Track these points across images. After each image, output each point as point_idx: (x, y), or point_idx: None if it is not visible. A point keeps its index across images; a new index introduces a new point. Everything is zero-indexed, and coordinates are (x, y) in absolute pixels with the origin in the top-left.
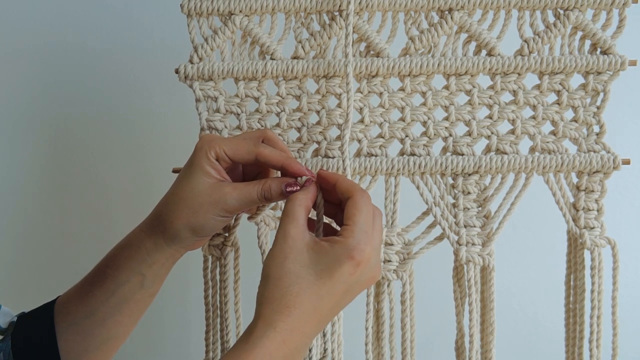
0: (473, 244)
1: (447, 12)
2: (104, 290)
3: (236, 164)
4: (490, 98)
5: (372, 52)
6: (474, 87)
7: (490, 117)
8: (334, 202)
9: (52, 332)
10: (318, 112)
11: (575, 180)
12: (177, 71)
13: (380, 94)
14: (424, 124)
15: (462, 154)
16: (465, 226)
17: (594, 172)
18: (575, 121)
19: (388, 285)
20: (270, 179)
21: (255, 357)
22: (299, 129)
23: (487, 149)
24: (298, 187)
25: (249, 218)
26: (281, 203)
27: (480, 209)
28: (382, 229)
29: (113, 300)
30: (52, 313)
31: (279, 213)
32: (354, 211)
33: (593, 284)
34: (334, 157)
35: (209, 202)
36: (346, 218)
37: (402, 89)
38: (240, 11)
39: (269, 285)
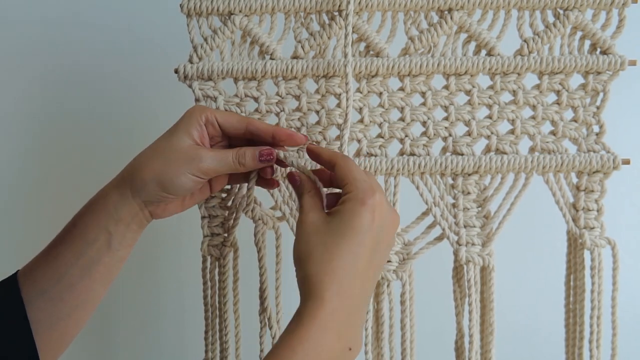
0: (473, 244)
1: (446, 12)
2: (72, 252)
3: (225, 135)
4: (490, 98)
5: (371, 52)
6: (473, 87)
7: (490, 117)
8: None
9: (19, 303)
10: (317, 112)
11: (575, 180)
12: (176, 71)
13: (380, 94)
14: (424, 124)
15: (462, 154)
16: (465, 226)
17: (593, 172)
18: (575, 121)
19: (388, 286)
20: (246, 147)
21: (311, 333)
22: (298, 129)
23: (487, 149)
24: (272, 156)
25: (245, 213)
26: (281, 203)
27: (480, 209)
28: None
29: (82, 262)
30: (16, 285)
31: (278, 213)
32: (345, 171)
33: (593, 284)
34: None
35: (184, 157)
36: (341, 180)
37: (401, 89)
38: (240, 11)
39: (302, 266)
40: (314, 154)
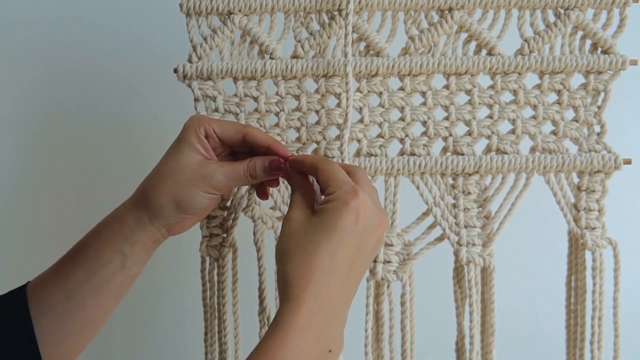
0: (473, 245)
1: (447, 12)
2: (84, 271)
3: (224, 145)
4: (490, 98)
5: (371, 52)
6: (474, 86)
7: (490, 116)
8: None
9: (26, 317)
10: (317, 111)
11: (576, 180)
12: (175, 70)
13: (380, 94)
14: (424, 123)
15: (463, 154)
16: (465, 227)
17: (595, 172)
18: (576, 121)
19: (388, 287)
20: (256, 157)
21: (288, 338)
22: (298, 129)
23: (488, 149)
24: (282, 166)
25: (245, 212)
26: (280, 203)
27: (480, 209)
28: (369, 179)
29: (93, 282)
30: (24, 298)
31: (278, 213)
32: (328, 173)
33: (594, 284)
34: (333, 157)
35: (196, 177)
36: (323, 183)
37: (402, 89)
38: (240, 10)
39: (281, 265)
40: (296, 163)
